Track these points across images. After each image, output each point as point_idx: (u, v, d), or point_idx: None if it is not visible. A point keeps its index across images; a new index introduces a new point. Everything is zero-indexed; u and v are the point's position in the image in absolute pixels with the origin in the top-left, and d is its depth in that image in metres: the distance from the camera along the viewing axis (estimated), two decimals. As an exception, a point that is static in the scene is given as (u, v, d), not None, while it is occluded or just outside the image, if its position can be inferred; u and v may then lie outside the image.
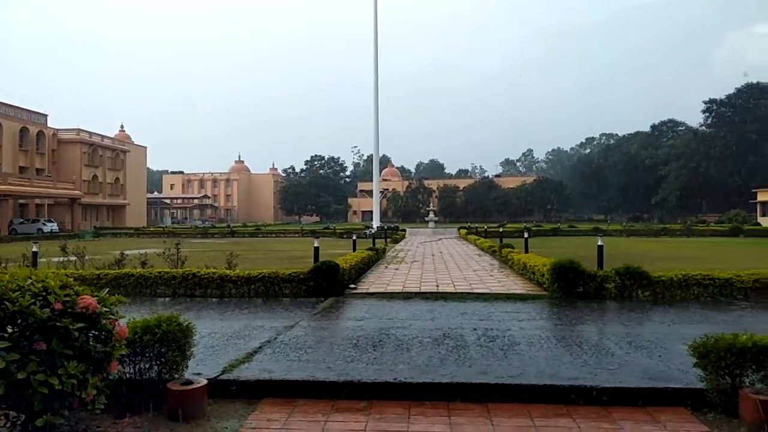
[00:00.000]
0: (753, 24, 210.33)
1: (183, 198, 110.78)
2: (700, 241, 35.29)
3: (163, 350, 5.04)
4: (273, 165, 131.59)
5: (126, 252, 14.04)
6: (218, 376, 5.42)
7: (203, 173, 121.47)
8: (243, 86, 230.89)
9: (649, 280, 10.11)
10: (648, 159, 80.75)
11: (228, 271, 11.22)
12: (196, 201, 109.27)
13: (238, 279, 10.79)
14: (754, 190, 56.57)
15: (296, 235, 47.48)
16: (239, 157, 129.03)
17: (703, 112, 71.51)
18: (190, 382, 4.87)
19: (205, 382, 4.93)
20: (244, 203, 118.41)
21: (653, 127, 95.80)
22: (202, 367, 5.66)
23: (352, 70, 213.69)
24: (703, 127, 72.79)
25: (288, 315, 8.86)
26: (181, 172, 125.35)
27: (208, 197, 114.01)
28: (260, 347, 6.55)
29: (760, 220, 52.36)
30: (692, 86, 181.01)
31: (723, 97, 69.46)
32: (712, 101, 70.20)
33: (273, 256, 21.94)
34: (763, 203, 54.67)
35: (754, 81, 68.13)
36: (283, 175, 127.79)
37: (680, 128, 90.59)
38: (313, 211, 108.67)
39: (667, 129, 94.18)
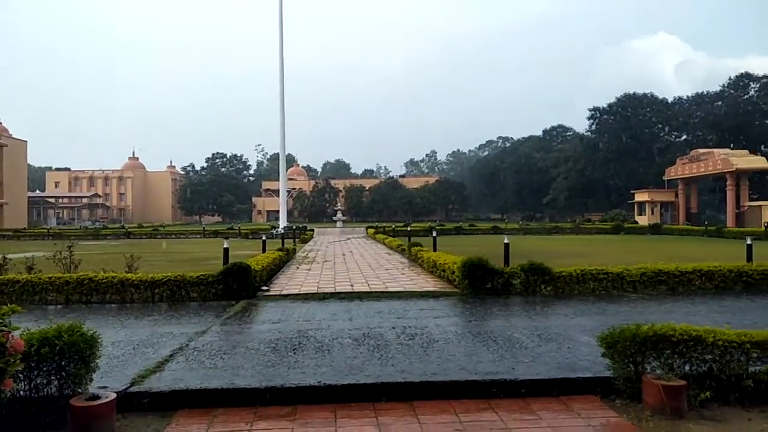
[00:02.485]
0: (628, 39, 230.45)
1: (70, 197, 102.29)
2: (588, 238, 38.10)
3: (63, 363, 4.61)
4: (171, 162, 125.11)
5: (8, 256, 12.69)
6: (127, 388, 5.04)
7: (93, 170, 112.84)
8: (138, 80, 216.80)
9: (551, 275, 10.72)
10: (540, 162, 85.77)
11: (129, 275, 10.48)
12: (85, 200, 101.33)
13: (140, 283, 10.12)
14: (632, 192, 61.86)
15: (198, 236, 45.50)
16: (133, 153, 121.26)
17: (588, 118, 77.17)
18: (96, 397, 4.49)
19: (113, 396, 4.56)
20: (139, 203, 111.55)
21: (545, 131, 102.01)
22: (108, 379, 5.24)
23: (255, 68, 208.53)
24: (589, 133, 78.36)
25: (198, 320, 8.44)
26: (68, 169, 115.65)
27: (99, 196, 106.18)
28: (172, 355, 6.18)
29: (638, 218, 57.38)
30: (579, 93, 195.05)
31: (605, 105, 75.41)
32: (595, 109, 75.79)
33: (175, 258, 20.84)
34: (639, 203, 59.88)
35: (631, 91, 74.61)
36: (182, 173, 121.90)
37: (568, 133, 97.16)
38: (215, 210, 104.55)
39: (557, 134, 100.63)
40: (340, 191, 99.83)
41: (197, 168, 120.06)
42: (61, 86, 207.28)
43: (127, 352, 6.39)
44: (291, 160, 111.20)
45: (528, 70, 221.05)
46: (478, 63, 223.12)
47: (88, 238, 43.24)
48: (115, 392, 4.68)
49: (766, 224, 36.43)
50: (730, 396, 4.77)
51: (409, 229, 34.06)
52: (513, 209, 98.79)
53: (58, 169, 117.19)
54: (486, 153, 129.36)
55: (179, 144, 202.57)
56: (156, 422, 4.65)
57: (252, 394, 5.01)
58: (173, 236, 46.00)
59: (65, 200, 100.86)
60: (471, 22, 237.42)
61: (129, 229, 49.58)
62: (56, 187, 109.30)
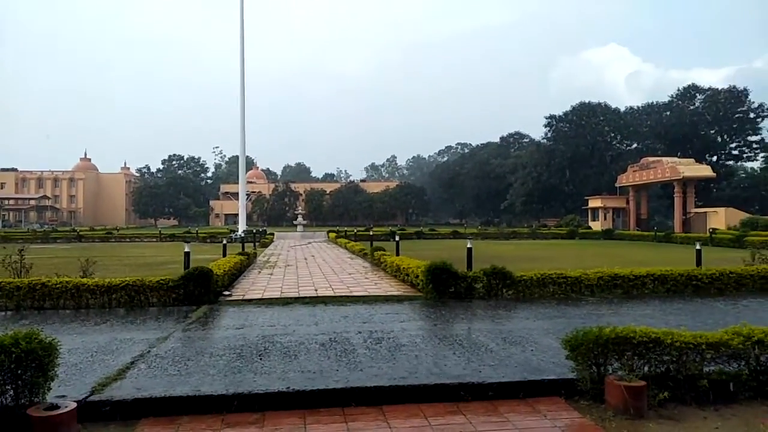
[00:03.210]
0: (581, 51, 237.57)
1: (16, 198, 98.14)
2: (545, 243, 39.01)
3: (20, 372, 4.43)
4: (125, 164, 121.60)
5: (-49, 260, 12.05)
6: (88, 397, 4.87)
7: (42, 171, 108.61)
8: (91, 79, 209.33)
9: (513, 279, 10.93)
10: (498, 168, 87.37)
11: (84, 280, 10.12)
12: (33, 202, 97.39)
13: (97, 288, 9.78)
14: (586, 198, 63.73)
15: (154, 239, 44.28)
16: (85, 154, 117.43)
17: (545, 126, 79.15)
18: (55, 407, 4.33)
19: (73, 405, 4.41)
20: (90, 205, 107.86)
21: (502, 138, 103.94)
22: (66, 388, 5.06)
23: (213, 69, 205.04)
24: (545, 140, 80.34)
25: (159, 326, 8.22)
26: (15, 170, 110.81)
27: (48, 198, 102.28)
28: (133, 362, 6.01)
29: (591, 224, 59.08)
30: (536, 100, 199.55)
31: (561, 113, 77.54)
32: (552, 117, 77.82)
33: (131, 262, 20.25)
34: (593, 209, 61.71)
35: (585, 100, 76.90)
36: (137, 175, 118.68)
37: (525, 140, 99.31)
38: (171, 213, 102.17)
39: (514, 141, 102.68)
40: (301, 195, 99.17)
41: (153, 170, 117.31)
42: (8, 82, 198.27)
43: (85, 359, 6.17)
44: (250, 163, 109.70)
45: (487, 77, 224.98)
46: (438, 69, 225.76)
47: (37, 241, 41.52)
48: (75, 401, 4.52)
49: (711, 230, 38.08)
50: (686, 396, 4.97)
51: (371, 233, 34.12)
52: (471, 214, 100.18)
53: (3, 170, 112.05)
54: (445, 158, 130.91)
55: (134, 145, 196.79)
56: (119, 432, 4.52)
57: (219, 401, 4.93)
58: (128, 239, 44.71)
59: (11, 202, 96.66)
60: (430, 29, 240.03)
61: (81, 232, 47.81)
62: (2, 188, 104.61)
